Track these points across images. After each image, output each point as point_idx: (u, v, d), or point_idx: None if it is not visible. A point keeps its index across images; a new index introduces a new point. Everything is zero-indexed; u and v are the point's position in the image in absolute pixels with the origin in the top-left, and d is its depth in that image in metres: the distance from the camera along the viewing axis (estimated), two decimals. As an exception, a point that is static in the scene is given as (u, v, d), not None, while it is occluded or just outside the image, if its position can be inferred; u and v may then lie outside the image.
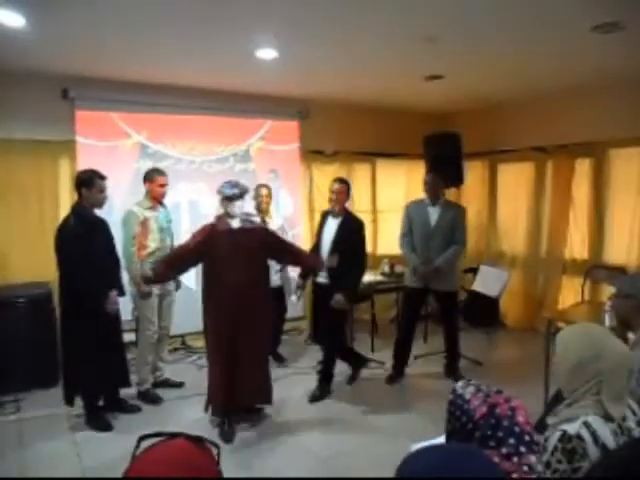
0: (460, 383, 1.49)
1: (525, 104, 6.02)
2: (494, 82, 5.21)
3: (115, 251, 3.89)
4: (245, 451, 3.37)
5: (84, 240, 3.49)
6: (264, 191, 4.83)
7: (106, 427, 3.67)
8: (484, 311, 5.94)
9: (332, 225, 4.18)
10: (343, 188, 4.17)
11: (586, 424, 1.53)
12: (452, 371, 4.62)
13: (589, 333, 1.70)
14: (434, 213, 4.44)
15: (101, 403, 3.83)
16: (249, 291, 3.50)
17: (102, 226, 3.77)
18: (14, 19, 3.20)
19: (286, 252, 3.81)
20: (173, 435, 1.05)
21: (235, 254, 3.45)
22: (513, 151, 6.19)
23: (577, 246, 5.72)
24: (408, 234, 4.51)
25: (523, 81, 5.15)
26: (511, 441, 1.28)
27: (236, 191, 3.49)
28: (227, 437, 3.48)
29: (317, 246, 4.28)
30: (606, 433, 1.52)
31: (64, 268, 3.52)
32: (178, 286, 4.39)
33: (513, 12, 3.26)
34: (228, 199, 3.51)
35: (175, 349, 5.29)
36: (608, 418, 1.55)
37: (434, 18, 3.37)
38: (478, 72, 4.82)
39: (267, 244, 3.63)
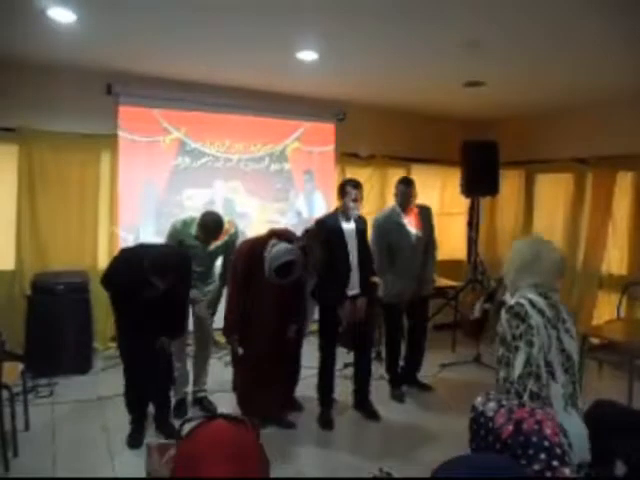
0: (479, 399, 1.46)
1: (566, 113, 5.89)
2: (535, 90, 5.12)
3: (172, 305, 3.33)
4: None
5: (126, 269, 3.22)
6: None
7: (134, 444, 3.36)
8: (515, 323, 5.83)
9: (350, 228, 3.84)
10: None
11: (523, 296, 2.01)
12: (414, 378, 4.53)
13: (533, 241, 2.24)
14: (409, 221, 4.17)
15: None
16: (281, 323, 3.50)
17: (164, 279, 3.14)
18: (65, 15, 3.31)
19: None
20: (213, 417, 1.11)
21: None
22: (552, 161, 6.07)
23: (615, 261, 5.56)
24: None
25: (565, 90, 5.05)
26: (542, 456, 1.25)
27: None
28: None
29: (339, 260, 3.77)
30: (541, 303, 1.97)
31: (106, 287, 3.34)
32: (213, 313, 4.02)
33: (558, 21, 3.21)
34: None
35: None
36: (542, 295, 2.00)
37: (477, 23, 3.35)
38: (519, 80, 4.74)
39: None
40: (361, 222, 3.93)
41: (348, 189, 3.77)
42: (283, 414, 3.76)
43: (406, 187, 4.16)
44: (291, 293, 3.51)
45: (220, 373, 4.47)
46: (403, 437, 3.66)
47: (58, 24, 3.47)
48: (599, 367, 4.67)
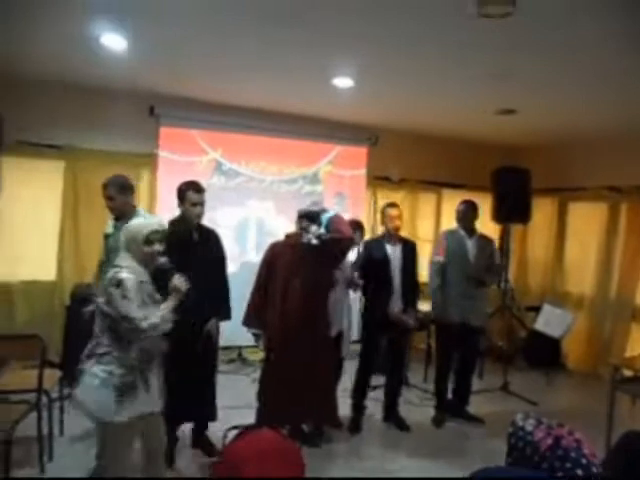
0: (519, 415, 1.50)
1: (600, 140, 5.85)
2: (568, 118, 5.12)
3: (216, 272, 3.45)
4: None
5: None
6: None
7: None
8: (544, 351, 5.75)
9: (394, 251, 4.07)
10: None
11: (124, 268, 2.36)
12: (461, 409, 4.42)
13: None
14: (472, 246, 4.24)
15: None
16: (309, 313, 3.51)
17: (202, 242, 3.40)
18: (118, 43, 3.52)
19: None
20: (256, 426, 1.17)
21: (297, 271, 3.50)
22: (585, 189, 6.03)
23: (650, 292, 5.47)
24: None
25: (600, 117, 5.03)
26: (579, 472, 1.28)
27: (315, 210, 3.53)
28: None
29: (380, 275, 4.01)
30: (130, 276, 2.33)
31: None
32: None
33: (591, 48, 3.25)
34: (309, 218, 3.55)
35: (231, 360, 5.45)
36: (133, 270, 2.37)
37: (508, 54, 3.42)
38: (552, 108, 4.77)
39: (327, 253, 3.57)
40: (409, 247, 4.14)
41: (387, 211, 4.11)
42: (315, 425, 3.78)
43: (466, 208, 4.30)
44: (318, 294, 3.59)
45: (246, 389, 4.53)
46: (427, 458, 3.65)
47: (109, 51, 3.68)
48: (632, 400, 4.56)
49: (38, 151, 4.79)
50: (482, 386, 5.11)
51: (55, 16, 3.17)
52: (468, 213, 4.28)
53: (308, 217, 3.55)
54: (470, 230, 4.29)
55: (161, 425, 2.59)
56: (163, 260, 2.48)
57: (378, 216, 6.18)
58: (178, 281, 2.49)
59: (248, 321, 3.62)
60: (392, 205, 4.17)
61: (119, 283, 2.31)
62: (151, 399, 2.44)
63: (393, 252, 4.07)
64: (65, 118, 4.87)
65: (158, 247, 2.46)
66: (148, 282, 2.45)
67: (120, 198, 3.51)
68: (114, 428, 2.31)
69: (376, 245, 4.13)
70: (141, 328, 2.29)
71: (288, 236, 3.72)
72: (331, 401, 3.70)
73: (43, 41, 3.66)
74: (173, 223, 3.41)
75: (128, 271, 2.35)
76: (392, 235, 4.08)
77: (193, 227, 3.39)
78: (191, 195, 3.35)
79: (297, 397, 3.45)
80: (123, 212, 3.47)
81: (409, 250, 4.13)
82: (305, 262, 3.52)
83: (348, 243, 3.54)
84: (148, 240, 2.42)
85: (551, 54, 3.37)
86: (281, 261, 3.56)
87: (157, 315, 2.35)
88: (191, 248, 3.34)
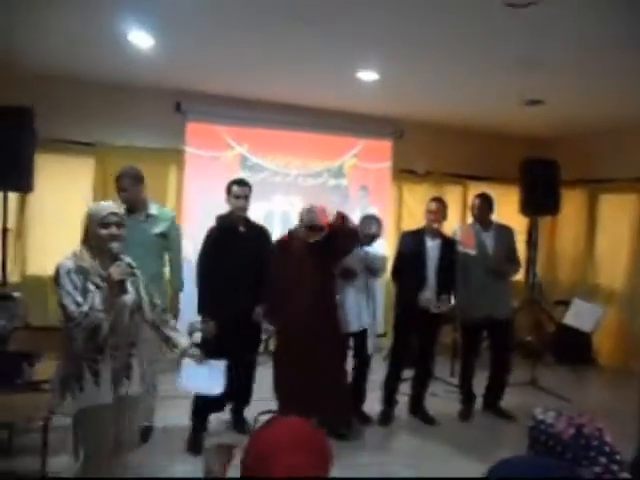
0: (539, 409, 1.49)
1: (630, 130, 5.71)
2: (597, 107, 5.01)
3: (262, 264, 3.54)
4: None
5: (214, 247, 3.50)
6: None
7: (194, 449, 3.40)
8: (574, 347, 5.65)
9: (433, 246, 4.00)
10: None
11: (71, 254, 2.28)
12: (494, 405, 4.38)
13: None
14: (490, 239, 4.22)
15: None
16: (317, 309, 3.51)
17: (248, 236, 3.59)
18: (145, 40, 3.58)
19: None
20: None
21: (304, 267, 3.50)
22: (615, 180, 5.89)
23: (684, 286, 5.33)
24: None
25: (630, 106, 4.91)
26: (602, 460, 1.28)
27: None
28: None
29: (414, 267, 3.96)
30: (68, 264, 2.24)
31: (196, 269, 3.55)
32: None
33: (620, 39, 3.18)
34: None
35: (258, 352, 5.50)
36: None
37: (535, 44, 3.36)
38: (580, 98, 4.68)
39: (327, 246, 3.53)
40: (449, 243, 4.07)
41: (428, 204, 4.04)
42: (337, 422, 3.68)
43: (481, 202, 4.27)
44: (322, 289, 3.57)
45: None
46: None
47: (137, 48, 3.75)
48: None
49: (68, 148, 4.92)
50: (510, 380, 5.04)
51: (85, 15, 3.25)
52: (483, 206, 4.26)
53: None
54: (486, 223, 4.27)
55: (128, 418, 2.43)
56: (115, 245, 2.27)
57: (403, 209, 6.24)
58: (112, 269, 2.22)
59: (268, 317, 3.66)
60: (434, 199, 4.11)
61: (56, 269, 2.22)
62: (100, 392, 2.25)
63: (431, 246, 4.00)
64: (94, 115, 4.98)
65: (114, 230, 2.26)
66: (95, 269, 2.24)
67: (133, 190, 3.42)
68: (73, 418, 2.26)
69: (414, 238, 4.06)
70: (72, 316, 2.15)
71: (291, 232, 3.69)
72: (341, 403, 3.65)
73: (73, 39, 3.75)
74: (221, 217, 3.62)
75: (71, 257, 2.25)
76: (432, 229, 4.01)
77: (239, 221, 3.56)
78: (234, 188, 3.54)
79: (306, 393, 3.43)
80: (135, 203, 3.40)
81: (448, 246, 4.04)
82: (308, 258, 3.51)
83: (350, 237, 3.54)
84: (104, 223, 2.24)
85: (578, 43, 3.31)
86: (286, 258, 3.56)
87: (87, 303, 2.16)
88: (237, 240, 3.53)
